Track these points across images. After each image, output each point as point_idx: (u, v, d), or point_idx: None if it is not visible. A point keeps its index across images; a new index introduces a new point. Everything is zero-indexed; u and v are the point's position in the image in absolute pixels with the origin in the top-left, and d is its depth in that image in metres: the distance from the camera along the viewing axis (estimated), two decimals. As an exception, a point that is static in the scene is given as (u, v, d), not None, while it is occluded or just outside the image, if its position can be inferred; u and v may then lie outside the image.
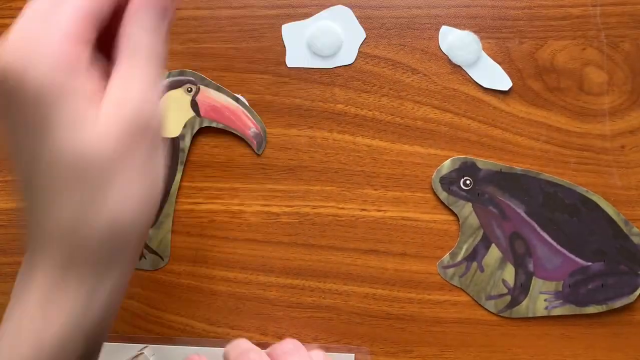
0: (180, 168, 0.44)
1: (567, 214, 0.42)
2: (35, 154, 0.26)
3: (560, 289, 0.42)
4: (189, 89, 0.44)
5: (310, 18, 0.44)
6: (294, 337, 0.44)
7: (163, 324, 0.44)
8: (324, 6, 0.44)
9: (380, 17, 0.44)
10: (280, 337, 0.44)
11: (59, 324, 0.28)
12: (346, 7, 0.44)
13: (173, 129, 0.44)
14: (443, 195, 0.43)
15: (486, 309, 0.43)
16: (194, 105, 0.44)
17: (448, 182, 0.43)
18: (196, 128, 0.44)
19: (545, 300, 0.42)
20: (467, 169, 0.43)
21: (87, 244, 0.28)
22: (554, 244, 0.42)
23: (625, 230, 0.42)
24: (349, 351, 0.43)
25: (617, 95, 0.43)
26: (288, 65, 0.44)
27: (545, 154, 0.43)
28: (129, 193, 0.27)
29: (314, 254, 0.44)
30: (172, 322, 0.44)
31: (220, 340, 0.44)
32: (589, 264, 0.42)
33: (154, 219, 0.43)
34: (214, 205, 0.44)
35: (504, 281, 0.42)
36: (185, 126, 0.44)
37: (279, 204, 0.44)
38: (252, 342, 0.43)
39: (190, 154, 0.45)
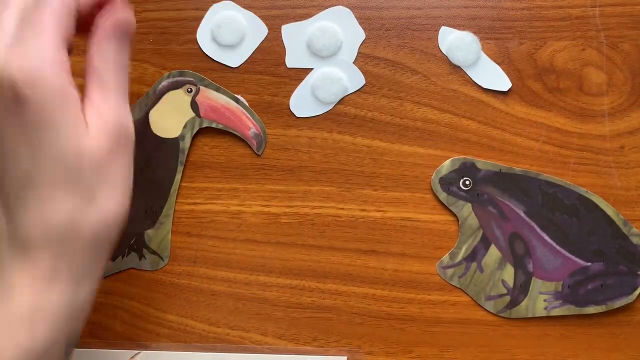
0: (180, 168, 0.44)
1: (566, 215, 0.42)
2: (36, 153, 0.28)
3: (560, 289, 0.42)
4: (189, 90, 0.44)
5: (310, 19, 0.44)
6: (293, 338, 0.44)
7: (163, 325, 0.44)
8: (323, 7, 0.44)
9: (379, 17, 0.44)
10: (280, 338, 0.44)
11: (45, 331, 0.28)
12: (346, 8, 0.44)
13: (173, 130, 0.44)
14: (442, 195, 0.43)
15: (485, 309, 0.43)
16: (194, 105, 0.44)
17: (447, 182, 0.43)
18: (196, 128, 0.44)
19: (544, 300, 0.42)
20: (466, 169, 0.43)
21: (80, 244, 0.28)
22: (554, 244, 0.42)
23: (624, 231, 0.42)
24: (341, 353, 0.43)
25: (616, 95, 0.43)
26: (287, 66, 0.44)
27: (544, 155, 0.43)
28: (115, 194, 0.30)
29: (313, 254, 0.44)
30: (171, 323, 0.44)
31: (214, 346, 0.44)
32: (589, 264, 0.42)
33: (155, 221, 0.44)
34: (214, 205, 0.45)
35: (503, 281, 0.42)
36: (185, 126, 0.44)
37: (278, 204, 0.44)
38: (251, 343, 0.44)
39: (190, 154, 0.45)
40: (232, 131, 0.44)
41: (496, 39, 0.44)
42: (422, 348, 0.43)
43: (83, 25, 0.32)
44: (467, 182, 0.42)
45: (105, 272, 0.43)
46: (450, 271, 0.43)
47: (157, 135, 0.44)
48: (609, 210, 0.42)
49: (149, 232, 0.44)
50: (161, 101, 0.44)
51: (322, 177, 0.44)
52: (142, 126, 0.44)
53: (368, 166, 0.44)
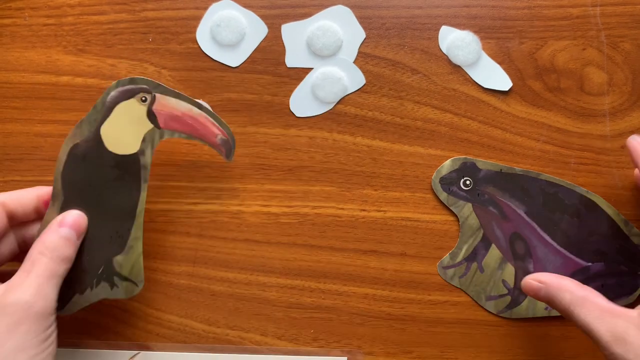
0: (144, 186, 0.39)
1: (567, 215, 0.42)
2: None
3: None
4: (144, 99, 0.39)
5: (310, 18, 0.44)
6: (293, 338, 0.44)
7: (162, 325, 0.44)
8: (323, 6, 0.44)
9: (380, 17, 0.44)
10: (279, 338, 0.44)
11: None
12: (346, 7, 0.44)
13: (130, 145, 0.39)
14: (443, 195, 0.43)
15: (486, 310, 0.43)
16: (151, 115, 0.39)
17: (448, 182, 0.43)
18: (157, 141, 0.39)
19: None
20: (467, 169, 0.42)
21: None
22: (554, 244, 0.42)
23: (625, 231, 0.41)
24: (341, 354, 0.43)
25: (617, 95, 0.43)
26: (288, 65, 0.44)
27: (545, 154, 0.43)
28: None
29: (313, 254, 0.44)
30: (171, 323, 0.44)
31: (214, 346, 0.44)
32: (589, 264, 0.42)
33: (124, 245, 0.40)
34: (214, 205, 0.44)
35: (504, 282, 0.42)
36: (144, 140, 0.39)
37: (278, 204, 0.44)
38: (251, 344, 0.43)
39: (189, 154, 0.44)
40: (197, 140, 0.40)
41: (497, 39, 0.44)
42: (423, 348, 0.43)
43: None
44: (468, 182, 0.42)
45: (73, 307, 0.41)
46: (450, 271, 0.43)
47: (112, 153, 0.39)
48: (610, 210, 0.42)
49: (118, 258, 0.40)
50: (113, 114, 0.39)
51: (322, 177, 0.44)
52: (95, 143, 0.39)
53: (368, 166, 0.44)
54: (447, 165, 0.43)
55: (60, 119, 0.45)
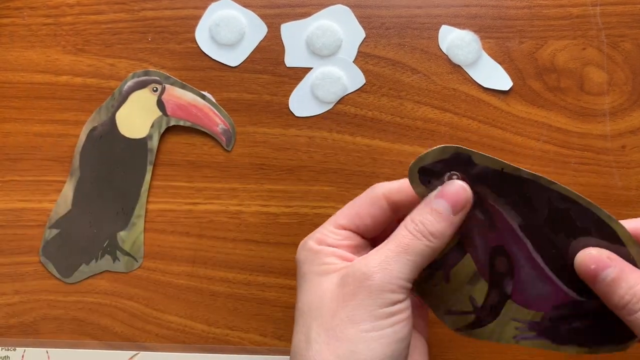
0: (149, 168, 0.44)
1: (573, 238, 0.32)
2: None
3: (538, 319, 0.33)
4: (155, 89, 0.44)
5: (310, 17, 0.44)
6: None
7: (162, 325, 0.44)
8: (323, 5, 0.44)
9: (379, 16, 0.44)
10: (279, 338, 0.44)
11: None
12: (345, 7, 0.44)
13: (140, 130, 0.44)
14: (419, 188, 0.33)
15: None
16: (160, 104, 0.44)
17: (429, 174, 0.32)
18: (164, 127, 0.44)
19: (516, 328, 0.34)
20: (458, 162, 0.32)
21: None
22: (545, 269, 0.33)
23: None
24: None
25: (617, 95, 0.43)
26: (287, 65, 0.44)
27: (545, 154, 0.43)
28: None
29: (313, 254, 0.44)
30: (170, 323, 0.44)
31: (214, 347, 0.44)
32: (583, 299, 0.33)
33: (127, 222, 0.44)
34: (213, 205, 0.44)
35: (471, 298, 0.34)
36: (152, 126, 0.44)
37: (277, 204, 0.44)
38: (251, 344, 0.43)
39: (189, 155, 0.44)
40: (200, 128, 0.44)
41: (497, 38, 0.43)
42: (423, 348, 0.43)
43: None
44: (455, 178, 0.32)
45: (80, 276, 0.44)
46: None
47: (124, 136, 0.44)
48: (632, 247, 0.31)
49: (122, 233, 0.44)
50: (127, 102, 0.44)
51: (322, 177, 0.44)
52: (110, 127, 0.44)
53: (368, 166, 0.44)
54: (432, 154, 0.32)
55: (59, 118, 0.45)
